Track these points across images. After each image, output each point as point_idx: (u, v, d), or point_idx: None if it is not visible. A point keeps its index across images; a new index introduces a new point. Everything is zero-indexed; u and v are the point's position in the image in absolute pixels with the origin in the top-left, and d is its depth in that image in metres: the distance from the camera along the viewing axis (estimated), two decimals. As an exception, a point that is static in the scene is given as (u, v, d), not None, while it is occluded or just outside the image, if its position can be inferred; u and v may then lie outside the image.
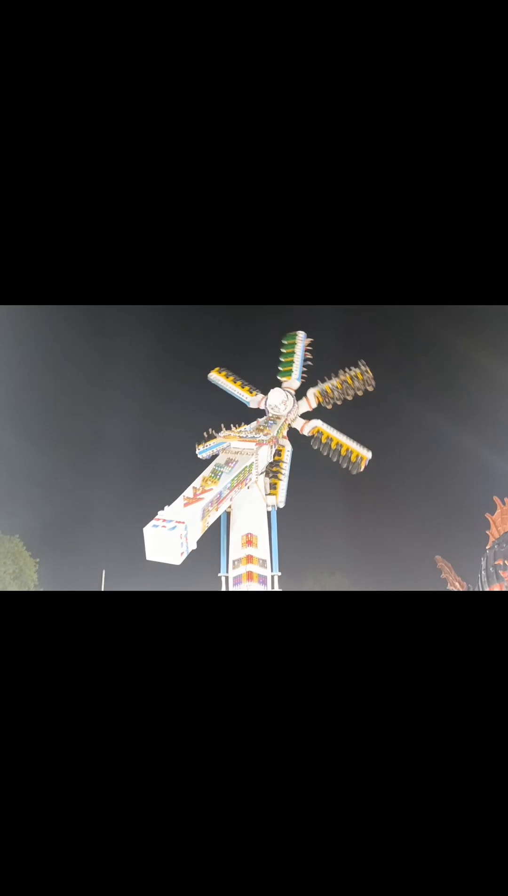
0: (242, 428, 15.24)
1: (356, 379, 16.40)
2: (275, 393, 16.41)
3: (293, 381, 17.00)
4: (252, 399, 17.19)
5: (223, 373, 18.30)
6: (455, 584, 26.14)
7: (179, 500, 11.52)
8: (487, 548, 23.75)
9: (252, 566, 14.40)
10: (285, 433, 16.29)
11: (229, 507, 15.49)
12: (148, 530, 10.52)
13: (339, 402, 16.54)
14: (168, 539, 10.45)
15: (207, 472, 12.85)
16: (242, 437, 14.74)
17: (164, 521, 10.74)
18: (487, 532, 24.03)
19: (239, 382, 17.92)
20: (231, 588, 14.44)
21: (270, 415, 16.16)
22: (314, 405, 16.64)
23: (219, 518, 15.46)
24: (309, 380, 17.43)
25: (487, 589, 23.29)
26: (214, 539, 15.23)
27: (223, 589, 14.80)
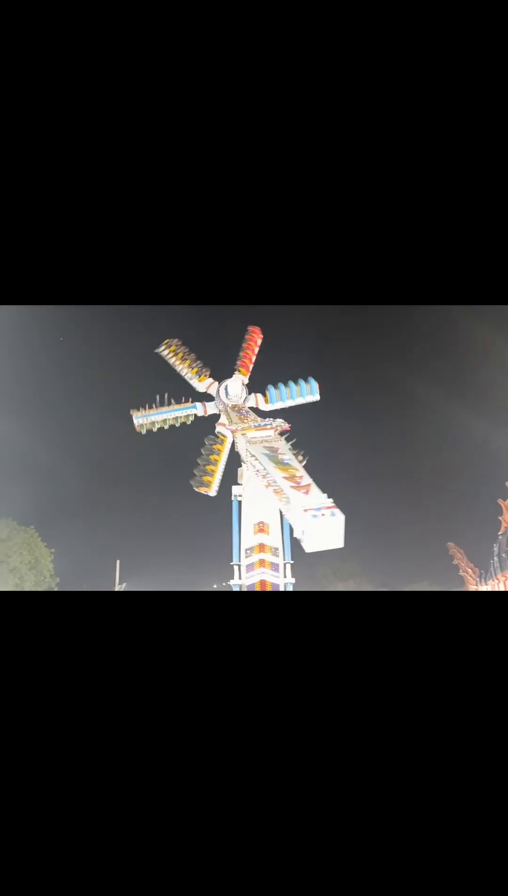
0: (244, 419, 15.41)
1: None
2: (236, 383, 16.42)
3: (245, 376, 17.20)
4: (200, 384, 16.65)
5: (172, 347, 17.30)
6: (467, 571, 26.10)
7: (295, 492, 11.05)
8: (500, 533, 23.62)
9: (264, 554, 14.48)
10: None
11: (241, 495, 15.58)
12: (314, 522, 10.13)
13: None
14: (333, 525, 10.49)
15: (274, 464, 12.55)
16: (255, 426, 14.97)
17: (314, 510, 10.61)
18: (500, 518, 23.89)
19: (188, 361, 17.04)
20: (244, 575, 14.56)
21: (229, 404, 16.17)
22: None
23: (231, 507, 15.58)
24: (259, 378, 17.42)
25: (500, 574, 23.22)
26: (225, 527, 15.35)
27: (236, 577, 14.93)
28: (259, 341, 18.32)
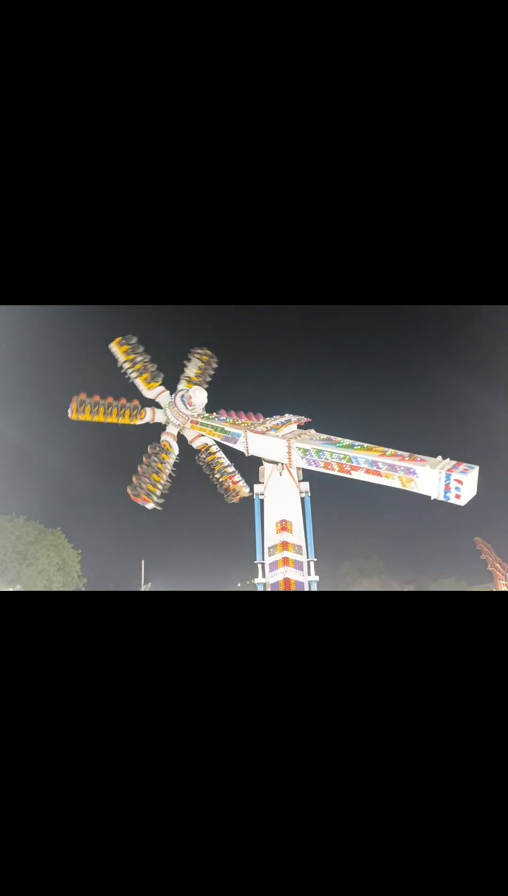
0: (258, 422, 15.49)
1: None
2: (200, 393, 15.56)
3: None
4: (149, 391, 15.39)
5: (125, 347, 15.65)
6: (496, 566, 25.56)
7: (419, 464, 11.40)
8: (529, 528, 23.06)
9: (288, 552, 14.43)
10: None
11: (263, 493, 15.57)
12: (469, 477, 10.92)
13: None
14: (473, 477, 11.11)
15: (347, 450, 12.98)
16: (275, 425, 15.00)
17: (456, 468, 11.10)
18: (528, 512, 23.33)
19: (140, 364, 15.54)
20: (268, 574, 14.53)
21: (190, 415, 15.57)
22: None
23: (253, 505, 15.58)
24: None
25: (530, 570, 22.67)
26: (248, 526, 15.37)
27: (260, 575, 14.93)
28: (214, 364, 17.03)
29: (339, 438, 13.56)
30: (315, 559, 14.77)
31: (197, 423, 15.63)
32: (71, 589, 26.12)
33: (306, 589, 14.32)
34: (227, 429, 15.29)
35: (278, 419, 15.51)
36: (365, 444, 12.44)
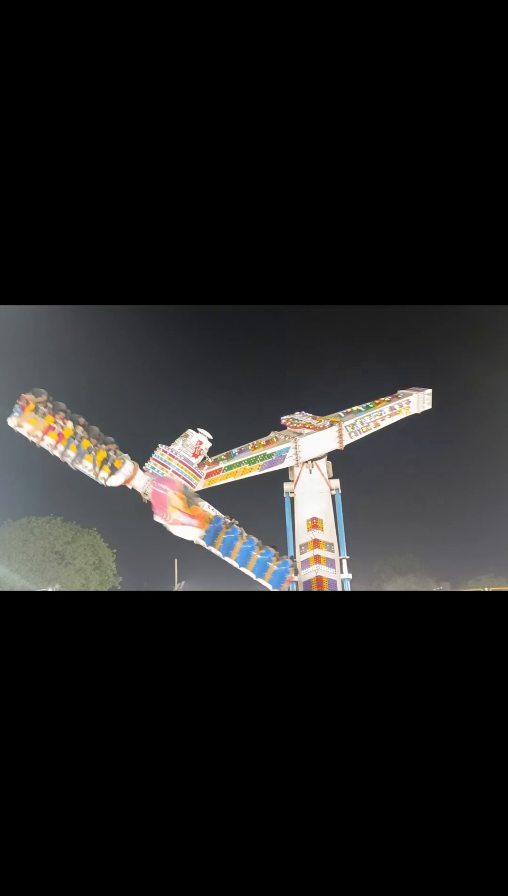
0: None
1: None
2: (196, 436, 14.09)
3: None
4: (116, 474, 13.03)
5: (31, 406, 12.39)
6: (536, 563, 24.69)
7: (409, 394, 15.95)
8: None
9: (319, 550, 14.39)
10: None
11: (292, 492, 15.55)
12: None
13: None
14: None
15: (370, 417, 15.52)
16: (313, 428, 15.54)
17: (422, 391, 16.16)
18: None
19: (87, 442, 12.67)
20: (300, 572, 14.53)
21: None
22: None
23: (283, 503, 15.60)
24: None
25: None
26: (279, 524, 15.38)
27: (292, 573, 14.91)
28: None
29: (351, 409, 15.89)
30: (348, 556, 14.66)
31: (217, 472, 14.04)
32: (107, 587, 26.71)
33: (339, 586, 14.24)
34: (269, 451, 14.40)
35: (296, 421, 15.64)
36: (368, 403, 15.85)
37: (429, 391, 16.07)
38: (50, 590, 23.45)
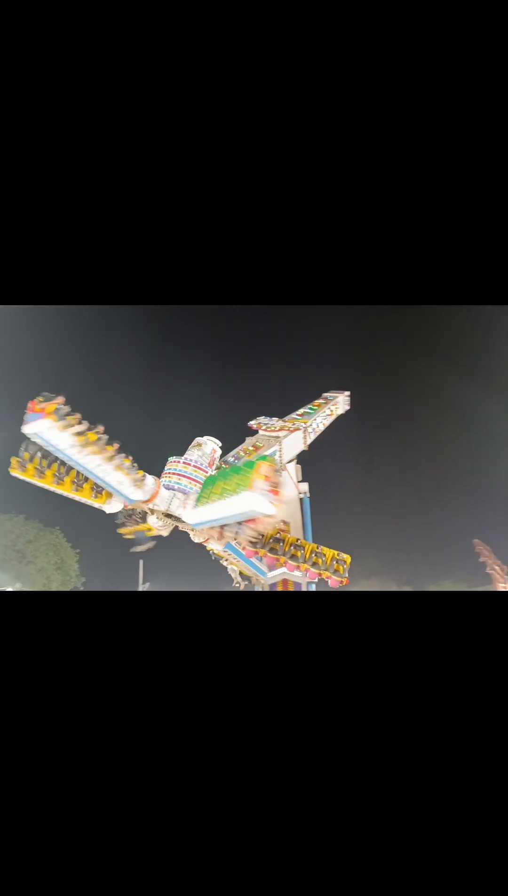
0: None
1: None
2: (211, 443, 12.30)
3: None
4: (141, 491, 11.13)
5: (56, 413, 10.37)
6: (495, 568, 25.57)
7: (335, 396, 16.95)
8: (528, 530, 23.06)
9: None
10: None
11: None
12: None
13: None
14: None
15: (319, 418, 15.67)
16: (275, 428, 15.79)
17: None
18: (527, 514, 23.34)
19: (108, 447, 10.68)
20: (266, 572, 14.57)
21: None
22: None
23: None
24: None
25: (528, 572, 22.67)
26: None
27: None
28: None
29: (301, 412, 16.14)
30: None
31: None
32: (69, 588, 26.12)
33: (304, 589, 14.35)
34: (263, 455, 14.37)
35: (270, 424, 15.76)
36: (310, 406, 16.51)
37: (348, 393, 17.43)
38: (10, 589, 22.75)
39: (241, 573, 13.79)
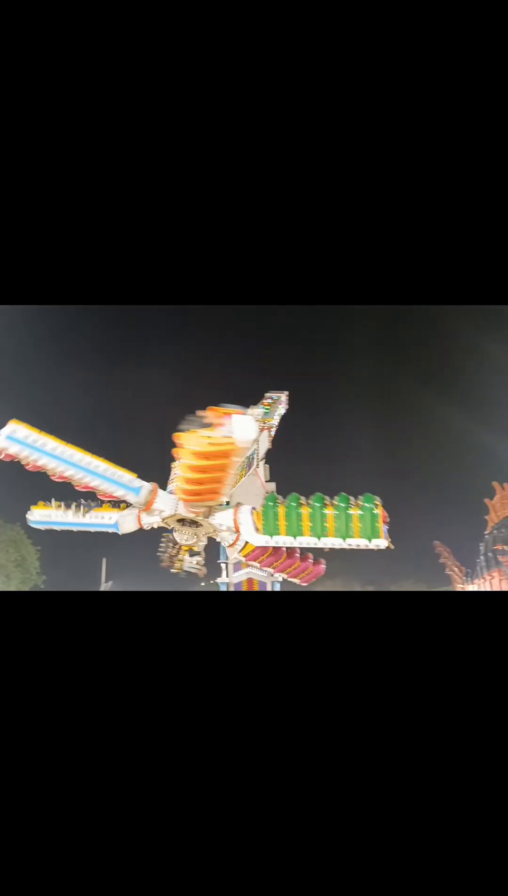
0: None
1: None
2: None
3: None
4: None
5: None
6: (454, 570, 26.35)
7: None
8: (486, 533, 23.88)
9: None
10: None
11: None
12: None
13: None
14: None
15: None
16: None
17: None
18: (486, 517, 24.16)
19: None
20: (232, 574, 14.55)
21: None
22: None
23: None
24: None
25: (485, 574, 23.48)
26: (214, 526, 15.30)
27: (223, 575, 14.92)
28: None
29: (252, 410, 14.17)
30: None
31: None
32: (29, 586, 25.47)
33: (270, 588, 14.42)
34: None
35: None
36: (260, 406, 14.93)
37: (286, 392, 16.89)
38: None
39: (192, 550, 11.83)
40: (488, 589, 22.81)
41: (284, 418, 16.20)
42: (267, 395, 16.92)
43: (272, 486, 15.62)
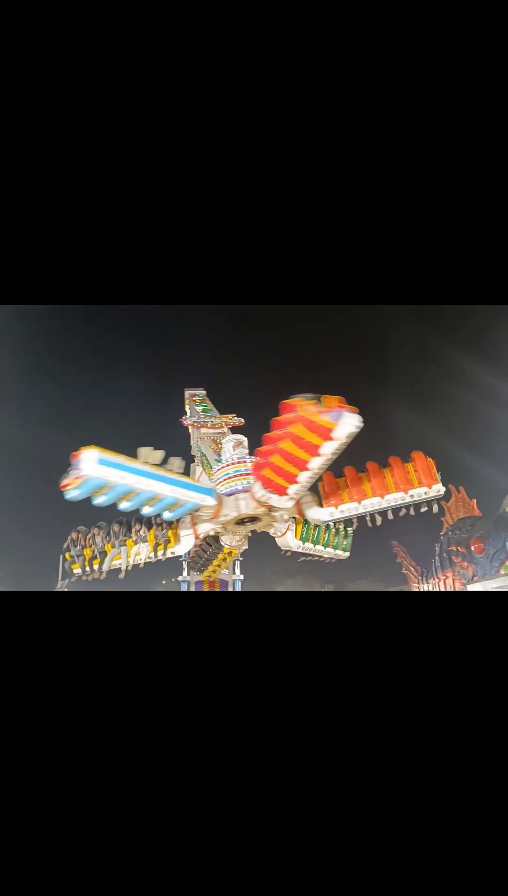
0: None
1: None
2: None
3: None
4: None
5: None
6: (410, 569, 27.07)
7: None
8: (441, 534, 24.61)
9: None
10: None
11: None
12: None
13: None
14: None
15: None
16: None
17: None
18: (442, 519, 24.90)
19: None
20: (193, 572, 14.46)
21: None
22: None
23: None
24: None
25: (440, 574, 24.22)
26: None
27: (184, 573, 14.83)
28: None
29: (205, 415, 14.66)
30: (241, 558, 14.87)
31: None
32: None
33: (230, 587, 14.41)
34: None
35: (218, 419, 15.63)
36: (201, 406, 14.98)
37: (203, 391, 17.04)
38: None
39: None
40: (442, 589, 23.53)
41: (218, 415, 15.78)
42: (192, 393, 16.51)
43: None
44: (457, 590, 22.15)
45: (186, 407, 16.44)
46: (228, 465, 11.40)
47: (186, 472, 10.59)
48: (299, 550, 11.85)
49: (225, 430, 15.05)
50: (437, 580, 24.28)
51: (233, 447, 11.79)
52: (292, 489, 9.67)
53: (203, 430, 14.99)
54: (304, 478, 9.36)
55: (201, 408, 16.10)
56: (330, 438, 8.44)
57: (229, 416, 15.74)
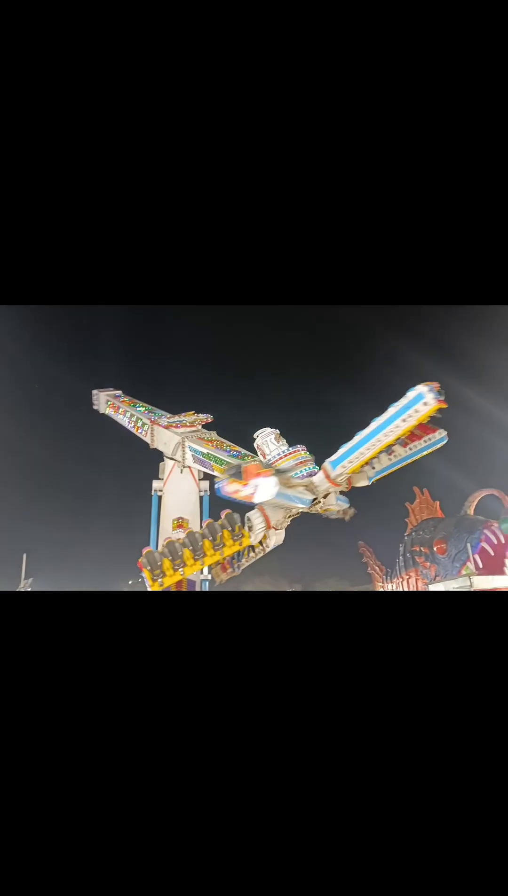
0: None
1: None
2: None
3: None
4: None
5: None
6: (375, 569, 27.61)
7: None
8: (406, 535, 25.18)
9: (182, 550, 14.30)
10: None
11: (161, 490, 15.34)
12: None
13: None
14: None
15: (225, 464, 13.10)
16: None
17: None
18: (406, 520, 25.49)
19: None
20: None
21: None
22: None
23: (151, 501, 15.29)
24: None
25: (403, 574, 24.78)
26: (143, 522, 15.05)
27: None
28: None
29: (235, 447, 14.05)
30: (210, 557, 14.80)
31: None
32: None
33: (198, 587, 14.35)
34: (140, 417, 15.08)
35: (184, 417, 15.46)
36: (147, 406, 15.49)
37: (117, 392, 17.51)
38: None
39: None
40: (405, 588, 24.07)
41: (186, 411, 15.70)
42: (119, 395, 16.70)
43: (206, 483, 15.56)
44: (420, 589, 22.70)
45: (109, 409, 16.31)
46: (287, 455, 12.59)
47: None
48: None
49: (199, 428, 15.01)
50: (400, 579, 24.82)
51: (275, 439, 12.99)
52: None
53: (181, 430, 14.89)
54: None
55: (145, 408, 15.95)
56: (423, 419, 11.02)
57: (189, 413, 15.67)
